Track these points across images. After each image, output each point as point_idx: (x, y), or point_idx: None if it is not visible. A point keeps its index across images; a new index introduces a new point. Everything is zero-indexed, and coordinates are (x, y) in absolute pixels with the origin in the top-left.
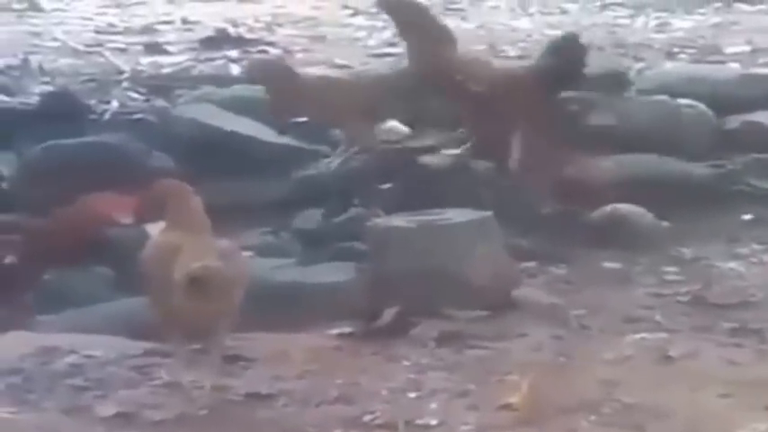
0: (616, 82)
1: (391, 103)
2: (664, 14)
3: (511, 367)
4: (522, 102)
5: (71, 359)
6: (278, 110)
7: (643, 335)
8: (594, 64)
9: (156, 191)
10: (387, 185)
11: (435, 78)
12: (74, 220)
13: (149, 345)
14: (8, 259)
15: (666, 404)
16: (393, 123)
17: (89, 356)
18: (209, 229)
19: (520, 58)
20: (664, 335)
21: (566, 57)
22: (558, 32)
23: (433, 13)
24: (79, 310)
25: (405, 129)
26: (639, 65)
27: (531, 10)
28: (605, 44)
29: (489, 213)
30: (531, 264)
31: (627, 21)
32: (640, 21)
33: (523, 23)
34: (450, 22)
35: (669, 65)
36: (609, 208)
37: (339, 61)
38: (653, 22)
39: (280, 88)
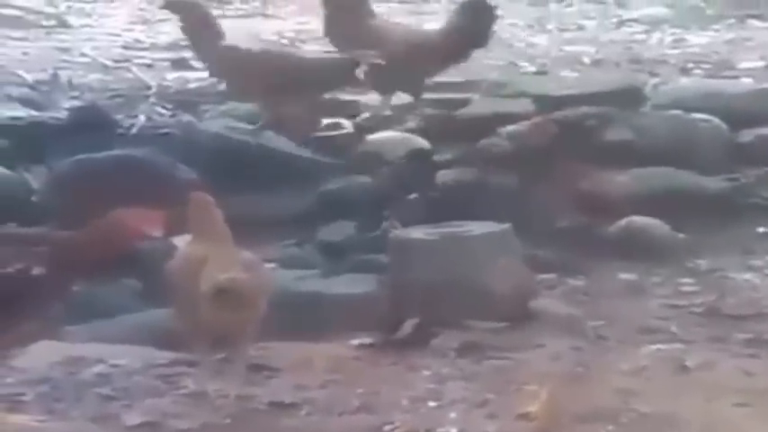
0: (632, 97)
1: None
2: (679, 31)
3: (529, 377)
4: (433, 62)
5: (98, 369)
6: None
7: (659, 345)
8: (611, 79)
9: (182, 204)
10: (406, 198)
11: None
12: (103, 233)
13: (175, 354)
14: (36, 270)
15: (682, 414)
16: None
17: (116, 366)
18: (231, 241)
19: (538, 73)
20: (680, 345)
21: (474, 18)
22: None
23: None
24: (106, 321)
25: (425, 143)
26: (655, 80)
27: (549, 26)
28: (622, 60)
29: (508, 225)
30: (550, 275)
31: (643, 37)
32: (656, 37)
33: (541, 40)
34: None
35: (684, 80)
36: (625, 220)
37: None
38: (668, 39)
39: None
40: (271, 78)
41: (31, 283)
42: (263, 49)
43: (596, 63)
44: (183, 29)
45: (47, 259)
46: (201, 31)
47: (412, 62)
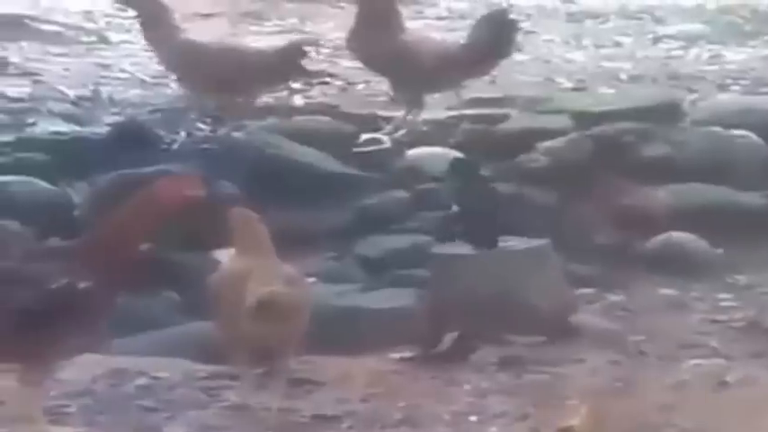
0: (670, 113)
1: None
2: (716, 47)
3: (570, 392)
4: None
5: (141, 381)
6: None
7: (699, 361)
8: (649, 95)
9: (223, 218)
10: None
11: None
12: (148, 199)
13: (217, 367)
14: (83, 284)
15: (723, 429)
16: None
17: (158, 378)
18: (274, 256)
19: (575, 90)
20: (719, 361)
21: (496, 31)
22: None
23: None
24: (148, 334)
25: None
26: (693, 96)
27: (585, 42)
28: (659, 76)
29: (547, 241)
30: (589, 290)
31: (680, 53)
32: (693, 53)
33: (578, 56)
34: None
35: (722, 96)
36: (664, 236)
37: None
38: (706, 55)
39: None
40: (223, 71)
41: (78, 296)
42: (217, 42)
43: (633, 79)
44: (140, 22)
45: (93, 269)
46: (158, 25)
47: (438, 75)
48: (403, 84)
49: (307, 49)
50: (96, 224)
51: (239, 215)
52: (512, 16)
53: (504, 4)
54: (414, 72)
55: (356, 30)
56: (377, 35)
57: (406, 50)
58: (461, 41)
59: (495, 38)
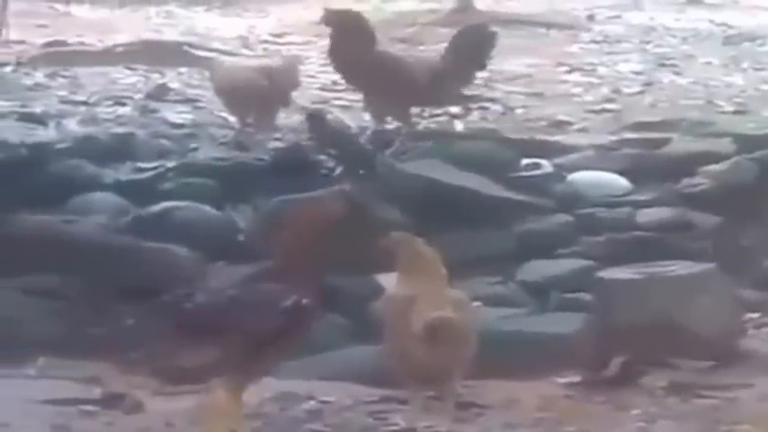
0: None
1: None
2: None
3: (739, 417)
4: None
5: (309, 405)
6: None
7: None
8: None
9: (387, 243)
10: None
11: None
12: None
13: (384, 391)
14: (305, 301)
15: None
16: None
17: (326, 402)
18: (444, 280)
19: (736, 113)
20: None
21: (474, 44)
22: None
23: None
24: (315, 357)
25: (625, 183)
26: None
27: (744, 65)
28: None
29: (713, 265)
30: (756, 314)
31: None
32: None
33: (737, 79)
34: (664, 77)
35: None
36: None
37: (562, 117)
38: None
39: None
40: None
41: (303, 314)
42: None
43: None
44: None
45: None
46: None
47: (418, 87)
48: (381, 97)
49: None
50: (271, 249)
51: (400, 239)
52: (490, 29)
53: (659, 29)
54: (392, 84)
55: (334, 43)
56: (354, 49)
57: (383, 63)
58: (439, 54)
59: (473, 50)
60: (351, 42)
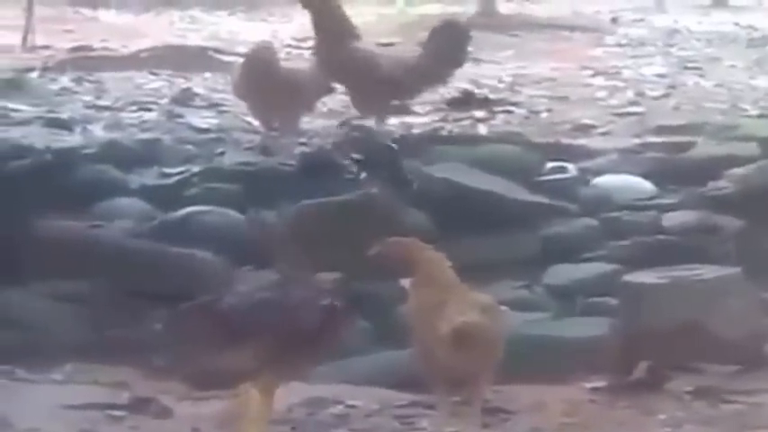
0: None
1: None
2: None
3: (765, 421)
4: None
5: (337, 409)
6: None
7: None
8: None
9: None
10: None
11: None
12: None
13: (411, 396)
14: (339, 304)
15: None
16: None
17: (353, 407)
18: (461, 284)
19: (760, 117)
20: None
21: (451, 41)
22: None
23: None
24: (342, 362)
25: (650, 186)
26: None
27: None
28: None
29: (738, 269)
30: None
31: None
32: None
33: (762, 82)
34: (688, 80)
35: None
36: None
37: (586, 121)
38: None
39: None
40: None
41: (340, 315)
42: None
43: None
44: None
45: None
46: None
47: (395, 82)
48: (361, 92)
49: None
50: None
51: (414, 246)
52: (465, 27)
53: (683, 32)
54: (371, 79)
55: (317, 39)
56: (334, 44)
57: (363, 58)
58: (416, 52)
59: (450, 47)
60: (330, 35)
